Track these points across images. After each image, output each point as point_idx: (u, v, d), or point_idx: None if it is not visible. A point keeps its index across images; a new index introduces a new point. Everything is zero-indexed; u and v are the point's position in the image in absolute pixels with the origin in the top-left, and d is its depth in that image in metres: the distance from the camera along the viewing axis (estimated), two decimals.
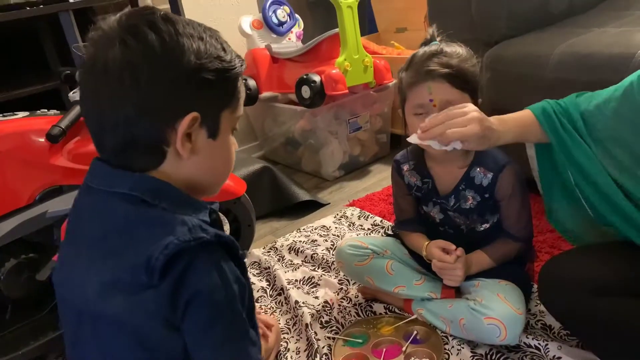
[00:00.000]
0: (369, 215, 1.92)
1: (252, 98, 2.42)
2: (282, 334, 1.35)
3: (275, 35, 2.54)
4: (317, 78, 2.12)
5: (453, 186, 1.26)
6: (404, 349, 1.24)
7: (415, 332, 1.28)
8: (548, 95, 1.55)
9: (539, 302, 1.32)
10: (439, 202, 1.31)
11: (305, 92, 2.15)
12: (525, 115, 1.13)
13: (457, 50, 1.16)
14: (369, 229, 1.84)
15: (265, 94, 2.45)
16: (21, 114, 1.25)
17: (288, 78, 2.35)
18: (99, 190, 0.72)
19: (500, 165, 1.21)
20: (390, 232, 1.52)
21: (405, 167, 1.34)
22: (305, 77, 2.15)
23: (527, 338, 1.19)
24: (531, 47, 1.66)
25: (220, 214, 1.67)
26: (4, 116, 1.22)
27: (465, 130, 1.01)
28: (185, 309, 0.67)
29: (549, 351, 1.15)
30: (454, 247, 1.23)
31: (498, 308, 1.14)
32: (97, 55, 0.68)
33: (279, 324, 1.37)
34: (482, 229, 1.31)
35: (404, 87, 1.19)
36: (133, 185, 0.69)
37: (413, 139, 1.09)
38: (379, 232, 1.80)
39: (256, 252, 1.78)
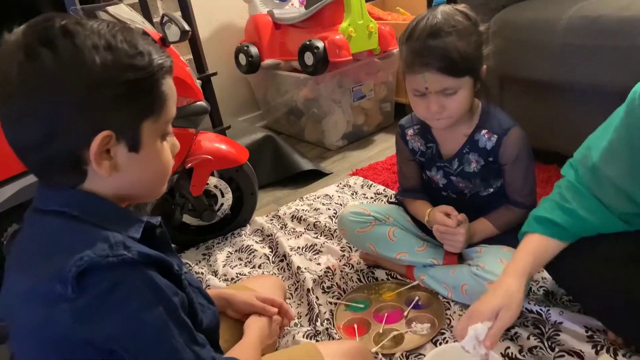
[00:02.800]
0: (371, 184, 1.91)
1: (253, 66, 2.39)
2: (286, 299, 1.35)
3: (277, 1, 2.49)
4: (320, 44, 2.08)
5: (457, 149, 1.25)
6: (405, 313, 1.24)
7: (417, 298, 1.28)
8: (557, 62, 1.52)
9: (541, 269, 1.32)
10: (442, 167, 1.29)
11: (308, 58, 2.11)
12: (535, 245, 1.01)
13: (457, 24, 1.10)
14: (371, 198, 1.83)
15: (267, 62, 2.41)
16: None
17: (291, 45, 2.31)
18: (37, 210, 0.70)
19: (505, 128, 1.19)
20: (393, 200, 1.51)
21: (410, 132, 1.32)
22: (308, 43, 2.11)
23: (529, 304, 1.19)
24: (539, 12, 1.61)
25: (223, 181, 1.67)
26: None
27: (506, 324, 0.93)
28: (124, 332, 0.65)
29: (550, 316, 1.15)
30: (456, 212, 1.22)
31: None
32: (1, 74, 0.63)
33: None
34: (485, 194, 1.30)
35: (402, 64, 1.17)
36: (62, 201, 0.68)
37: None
38: (382, 200, 1.79)
39: (259, 220, 1.78)
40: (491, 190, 1.30)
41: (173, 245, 1.69)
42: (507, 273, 0.99)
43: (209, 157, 1.53)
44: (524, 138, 1.22)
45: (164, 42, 1.38)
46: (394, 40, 2.26)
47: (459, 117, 1.18)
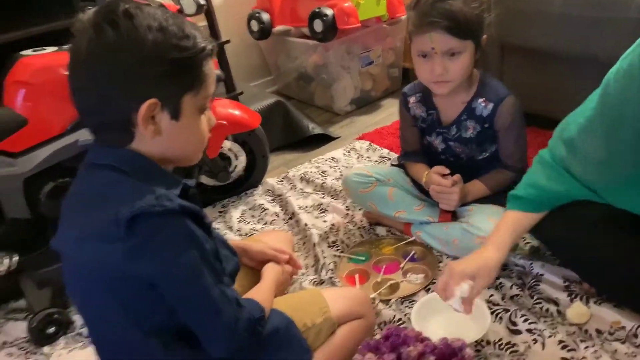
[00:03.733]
0: (376, 147, 2.02)
1: (265, 32, 2.46)
2: (294, 252, 1.48)
3: None
4: (329, 11, 2.14)
5: (455, 116, 1.34)
6: (402, 265, 1.37)
7: (413, 252, 1.41)
8: (555, 32, 1.58)
9: None
10: (441, 132, 1.39)
11: (318, 25, 2.18)
12: (512, 221, 1.12)
13: None
14: (376, 161, 1.94)
15: (278, 28, 2.48)
16: (50, 49, 1.34)
17: (301, 11, 2.37)
18: (92, 165, 0.84)
19: (500, 96, 1.29)
20: (395, 162, 1.62)
21: (412, 99, 1.42)
22: (317, 10, 2.17)
23: (515, 258, 1.31)
24: None
25: (237, 145, 1.78)
26: (34, 51, 1.31)
27: (479, 291, 1.05)
28: (164, 270, 0.78)
29: (532, 269, 1.27)
30: (448, 170, 1.33)
31: (488, 229, 1.24)
32: (74, 45, 0.77)
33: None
34: (480, 158, 1.40)
35: (410, 28, 1.25)
36: (114, 158, 0.81)
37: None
38: (386, 163, 1.90)
39: (270, 181, 1.90)
40: (486, 154, 1.40)
41: None
42: (489, 244, 1.10)
43: (224, 122, 1.64)
44: (517, 106, 1.31)
45: (180, 13, 1.47)
46: (402, 7, 2.31)
47: (460, 82, 1.27)
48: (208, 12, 1.96)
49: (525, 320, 1.13)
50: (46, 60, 1.29)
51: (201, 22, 2.08)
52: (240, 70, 2.57)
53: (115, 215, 0.75)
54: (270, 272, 1.13)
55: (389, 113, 2.38)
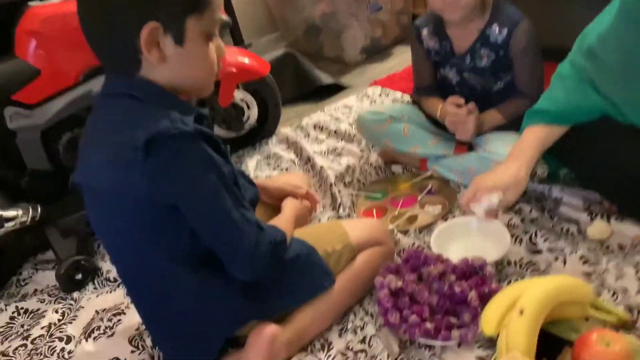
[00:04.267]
0: (389, 91, 2.00)
1: None
2: None
3: None
4: None
5: (469, 45, 1.32)
6: (419, 198, 1.37)
7: (430, 186, 1.40)
8: None
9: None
10: (455, 63, 1.37)
11: None
12: (536, 135, 1.10)
13: None
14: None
15: None
16: None
17: None
18: (108, 95, 0.85)
19: (515, 21, 1.26)
20: (410, 100, 1.61)
21: (425, 31, 1.39)
22: None
23: (533, 184, 1.30)
24: None
25: (249, 94, 1.78)
26: (42, 0, 1.31)
27: (509, 203, 1.06)
28: (184, 191, 0.80)
29: (552, 193, 1.26)
30: (463, 100, 1.31)
31: (505, 153, 1.23)
32: None
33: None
34: (495, 88, 1.38)
35: None
36: (128, 86, 0.82)
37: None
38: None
39: (284, 130, 1.90)
40: (501, 84, 1.38)
41: None
42: (515, 158, 1.09)
43: (233, 69, 1.63)
44: (532, 31, 1.28)
45: None
46: None
47: (472, 6, 1.23)
48: None
49: (546, 240, 1.12)
50: (55, 9, 1.29)
51: None
52: (247, 26, 2.54)
53: (133, 140, 0.77)
54: (289, 206, 1.14)
55: (400, 60, 2.34)
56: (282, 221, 1.05)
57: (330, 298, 1.03)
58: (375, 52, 2.46)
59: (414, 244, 1.20)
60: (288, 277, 0.99)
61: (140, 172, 0.79)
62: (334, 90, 2.19)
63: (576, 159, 1.18)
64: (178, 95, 0.86)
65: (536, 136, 1.10)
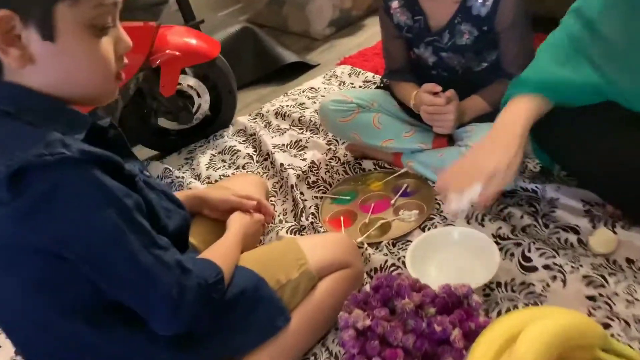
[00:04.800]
0: (360, 71, 1.78)
1: None
2: (270, 197, 1.30)
3: None
4: None
5: (447, 20, 1.11)
6: (392, 202, 1.18)
7: (405, 186, 1.22)
8: None
9: None
10: (431, 42, 1.16)
11: None
12: (524, 107, 0.90)
13: None
14: (360, 86, 1.71)
15: None
16: None
17: None
18: None
19: None
20: (380, 84, 1.40)
21: (394, 4, 1.17)
22: None
23: (524, 182, 1.12)
24: None
25: (198, 81, 1.55)
26: None
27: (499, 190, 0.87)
28: (70, 236, 0.61)
29: (546, 193, 1.08)
30: (440, 88, 1.11)
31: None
32: None
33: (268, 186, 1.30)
34: (478, 69, 1.18)
35: None
36: None
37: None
38: (371, 87, 1.67)
39: (241, 119, 1.69)
40: (485, 65, 1.18)
41: (154, 154, 1.64)
42: (500, 134, 0.90)
43: (176, 52, 1.40)
44: (521, 1, 1.07)
45: None
46: None
47: None
48: None
49: (542, 255, 0.95)
50: None
51: None
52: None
53: None
54: (235, 223, 0.95)
55: (373, 32, 2.13)
56: (222, 248, 0.86)
57: (286, 340, 0.85)
58: (345, 25, 2.23)
59: (386, 262, 1.02)
60: (232, 318, 0.80)
61: (10, 214, 0.58)
62: (300, 68, 1.97)
63: (569, 153, 1.00)
64: (67, 104, 0.65)
65: (523, 107, 0.90)
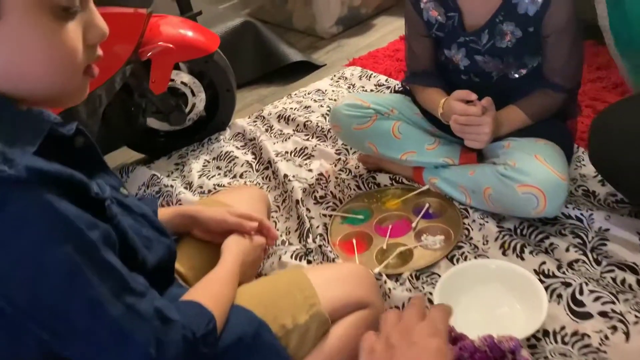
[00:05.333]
0: (371, 74, 1.63)
1: None
2: (271, 212, 1.14)
3: None
4: None
5: (487, 18, 0.96)
6: (413, 224, 1.03)
7: (427, 206, 1.06)
8: None
9: (579, 164, 1.10)
10: (466, 43, 1.01)
11: None
12: None
13: None
14: (371, 90, 1.56)
15: None
16: None
17: None
18: None
19: None
20: (400, 87, 1.25)
21: None
22: None
23: (567, 208, 0.97)
24: None
25: (193, 77, 1.39)
26: None
27: None
28: (13, 281, 0.45)
29: (594, 222, 0.94)
30: (475, 96, 0.96)
31: (536, 173, 0.90)
32: None
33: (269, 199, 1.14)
34: (516, 76, 1.03)
35: None
36: None
37: None
38: (384, 92, 1.52)
39: (240, 122, 1.53)
40: (524, 71, 1.03)
41: (141, 156, 1.47)
42: None
43: (170, 45, 1.24)
44: (573, 3, 0.92)
45: None
46: None
47: None
48: None
49: (597, 299, 0.80)
50: None
51: None
52: None
53: None
54: (231, 249, 0.79)
55: (383, 33, 1.98)
56: (216, 284, 0.70)
57: None
58: (354, 23, 2.08)
59: (409, 300, 0.86)
60: None
61: None
62: (304, 69, 1.81)
63: (622, 171, 0.85)
64: (16, 103, 0.49)
65: None
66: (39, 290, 0.46)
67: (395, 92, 1.25)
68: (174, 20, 1.35)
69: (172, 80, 1.34)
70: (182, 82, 1.38)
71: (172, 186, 1.24)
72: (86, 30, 0.50)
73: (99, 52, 0.53)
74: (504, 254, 0.92)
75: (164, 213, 0.82)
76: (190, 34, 1.32)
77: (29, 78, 0.48)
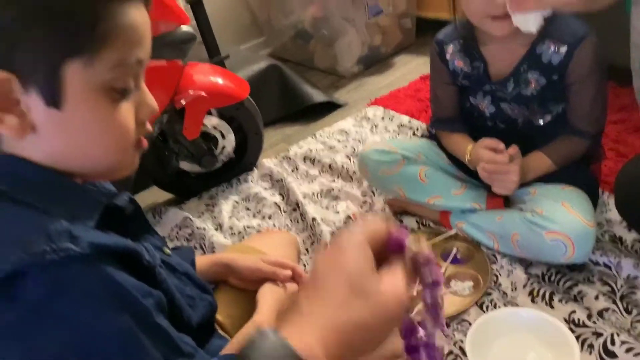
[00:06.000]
0: (394, 114, 1.67)
1: None
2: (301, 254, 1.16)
3: None
4: None
5: (512, 68, 0.99)
6: (442, 270, 1.05)
7: (455, 250, 1.08)
8: None
9: (604, 208, 1.11)
10: (492, 91, 1.04)
11: None
12: None
13: None
14: (394, 131, 1.59)
15: None
16: None
17: None
18: None
19: (578, 36, 0.93)
20: (423, 132, 1.28)
21: (450, 49, 1.06)
22: None
23: (594, 254, 0.98)
24: None
25: (223, 121, 1.44)
26: None
27: None
28: (75, 349, 0.47)
29: (622, 269, 0.95)
30: (503, 145, 0.99)
31: (563, 220, 0.92)
32: None
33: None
34: (541, 123, 1.06)
35: None
36: None
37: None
38: (407, 133, 1.56)
39: (267, 162, 1.57)
40: (549, 118, 1.06)
41: (171, 196, 1.52)
42: None
43: (203, 93, 1.30)
44: (598, 50, 0.96)
45: None
46: None
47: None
48: None
49: (629, 350, 0.81)
50: None
51: None
52: (226, 31, 2.20)
53: None
54: (267, 299, 0.82)
55: (403, 72, 2.02)
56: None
57: None
58: (374, 62, 2.13)
59: (442, 347, 0.88)
60: None
61: (2, 325, 0.45)
62: (327, 107, 1.86)
63: None
64: (74, 177, 0.53)
65: None
66: (97, 354, 0.49)
67: (421, 137, 1.28)
68: (206, 68, 1.41)
69: (204, 125, 1.40)
70: (213, 127, 1.43)
71: (204, 228, 1.28)
72: (138, 108, 0.53)
73: (148, 127, 0.56)
74: (533, 301, 0.94)
75: (201, 262, 0.85)
76: (221, 81, 1.38)
77: (88, 157, 0.51)
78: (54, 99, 0.46)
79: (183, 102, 1.28)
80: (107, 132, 0.50)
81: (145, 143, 0.56)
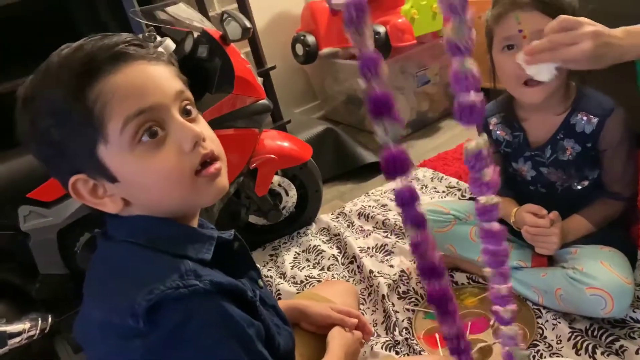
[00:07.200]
0: (442, 176, 1.80)
1: (311, 55, 2.31)
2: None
3: None
4: (381, 29, 1.97)
5: (549, 136, 1.12)
6: (492, 322, 1.14)
7: None
8: None
9: None
10: (531, 157, 1.17)
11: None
12: None
13: None
14: (443, 192, 1.72)
15: (325, 50, 2.32)
16: None
17: None
18: (107, 236, 0.67)
19: (607, 109, 1.06)
20: (470, 194, 1.41)
21: (493, 121, 1.21)
22: None
23: (635, 312, 1.06)
24: None
25: (287, 180, 1.62)
26: None
27: (572, 49, 0.83)
28: None
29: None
30: (545, 211, 1.10)
31: (603, 277, 1.01)
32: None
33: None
34: (579, 187, 1.17)
35: (490, 23, 1.06)
36: (127, 229, 0.64)
37: (521, 58, 0.94)
38: (455, 194, 1.68)
39: (324, 218, 1.72)
40: (586, 183, 1.17)
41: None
42: None
43: (273, 156, 1.48)
44: (627, 121, 1.08)
45: (224, 40, 1.33)
46: None
47: (555, 87, 1.04)
48: (252, 37, 1.83)
49: None
50: None
51: (244, 48, 1.95)
52: (285, 96, 2.43)
53: (131, 305, 0.58)
54: (338, 342, 0.93)
55: (450, 135, 2.16)
56: None
57: None
58: (422, 126, 2.29)
59: None
60: None
61: (143, 346, 0.59)
62: (377, 167, 2.01)
63: None
64: (180, 220, 0.66)
65: None
66: None
67: (470, 199, 1.40)
68: (274, 134, 1.60)
69: (271, 182, 1.57)
70: (278, 184, 1.60)
71: (271, 277, 1.43)
72: (180, 141, 0.61)
73: (203, 150, 0.62)
74: (576, 353, 1.02)
75: (279, 305, 0.99)
76: (287, 145, 1.56)
77: (163, 198, 0.63)
78: (110, 176, 0.61)
79: (256, 164, 1.46)
80: (157, 173, 0.61)
81: (212, 168, 0.64)
